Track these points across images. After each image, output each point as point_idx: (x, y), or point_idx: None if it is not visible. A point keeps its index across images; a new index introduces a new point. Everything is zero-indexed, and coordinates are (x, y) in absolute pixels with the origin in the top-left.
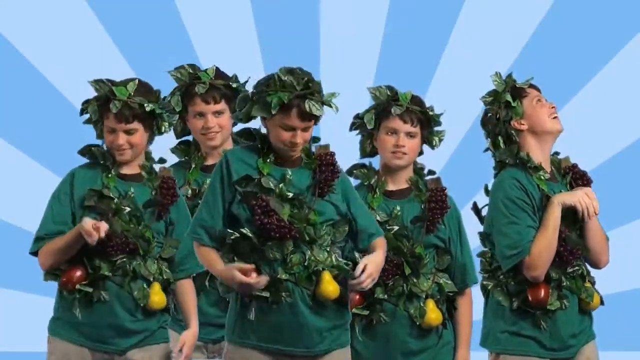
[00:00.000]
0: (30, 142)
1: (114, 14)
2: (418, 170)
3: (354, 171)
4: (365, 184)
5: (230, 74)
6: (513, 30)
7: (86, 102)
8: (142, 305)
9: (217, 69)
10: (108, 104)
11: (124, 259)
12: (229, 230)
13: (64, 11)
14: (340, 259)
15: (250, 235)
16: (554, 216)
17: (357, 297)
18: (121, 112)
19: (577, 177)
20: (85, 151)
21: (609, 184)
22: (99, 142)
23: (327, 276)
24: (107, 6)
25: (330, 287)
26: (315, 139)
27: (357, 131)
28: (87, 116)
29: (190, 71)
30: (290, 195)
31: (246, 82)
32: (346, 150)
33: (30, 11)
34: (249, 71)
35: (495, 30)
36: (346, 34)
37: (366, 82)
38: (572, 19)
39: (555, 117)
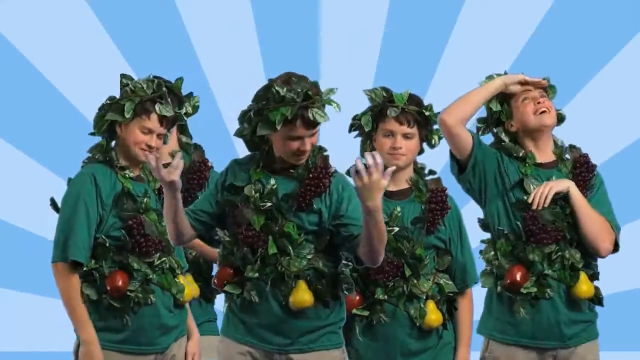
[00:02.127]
0: (30, 142)
1: (114, 14)
2: (418, 170)
3: None
4: None
5: (230, 74)
6: (513, 30)
7: (125, 99)
8: (179, 299)
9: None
10: (151, 104)
11: (161, 257)
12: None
13: (64, 11)
14: (327, 263)
15: (228, 238)
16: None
17: (358, 297)
18: (166, 117)
19: (578, 165)
20: (98, 150)
21: (608, 184)
22: (96, 139)
23: (302, 285)
24: (107, 6)
25: (305, 296)
26: (322, 149)
27: (356, 132)
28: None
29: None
30: (267, 205)
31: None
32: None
33: (30, 11)
34: (249, 71)
35: (495, 30)
36: (346, 34)
37: (366, 82)
38: (572, 19)
39: (542, 112)
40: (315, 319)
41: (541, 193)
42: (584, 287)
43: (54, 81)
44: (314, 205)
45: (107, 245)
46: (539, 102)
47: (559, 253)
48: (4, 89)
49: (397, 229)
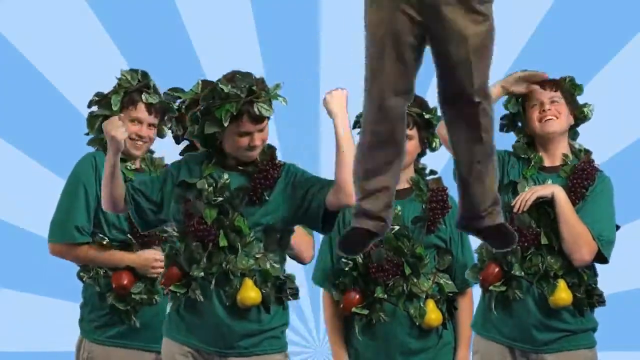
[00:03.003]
0: (30, 142)
1: (114, 14)
2: (419, 170)
3: None
4: None
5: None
6: (513, 30)
7: (111, 93)
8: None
9: None
10: (137, 94)
11: None
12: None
13: (63, 11)
14: (274, 265)
15: (176, 233)
16: None
17: (357, 296)
18: (153, 104)
19: (577, 171)
20: (97, 142)
21: None
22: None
23: (248, 282)
24: (107, 6)
25: (251, 293)
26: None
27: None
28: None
29: None
30: (219, 200)
31: None
32: None
33: (30, 11)
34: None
35: (496, 30)
36: (346, 33)
37: None
38: (572, 19)
39: (547, 120)
40: (256, 322)
41: (523, 198)
42: (562, 294)
43: (53, 81)
44: (266, 197)
45: (105, 244)
46: (544, 110)
47: (539, 257)
48: (4, 89)
49: (397, 227)
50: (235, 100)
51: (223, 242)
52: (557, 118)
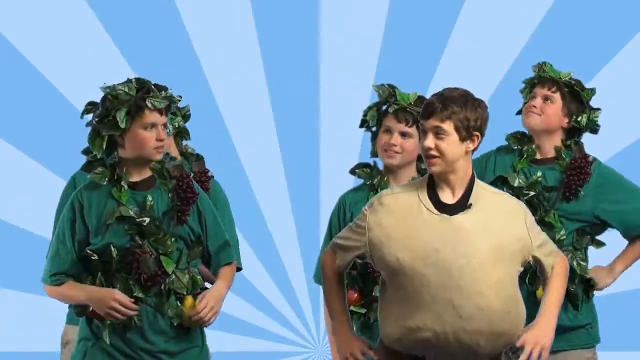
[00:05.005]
0: (30, 142)
1: (114, 14)
2: (422, 170)
3: (357, 170)
4: (368, 183)
5: (230, 74)
6: (513, 30)
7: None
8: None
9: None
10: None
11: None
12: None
13: (63, 11)
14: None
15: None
16: None
17: (355, 295)
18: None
19: (572, 166)
20: (90, 168)
21: None
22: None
23: (189, 301)
24: (107, 6)
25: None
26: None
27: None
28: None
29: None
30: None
31: None
32: (348, 149)
33: (30, 11)
34: (249, 71)
35: (496, 30)
36: (346, 33)
37: (366, 82)
38: (572, 19)
39: (529, 113)
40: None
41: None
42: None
43: (54, 81)
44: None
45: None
46: (533, 105)
47: None
48: (3, 88)
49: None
50: (127, 99)
51: (170, 267)
52: (540, 115)
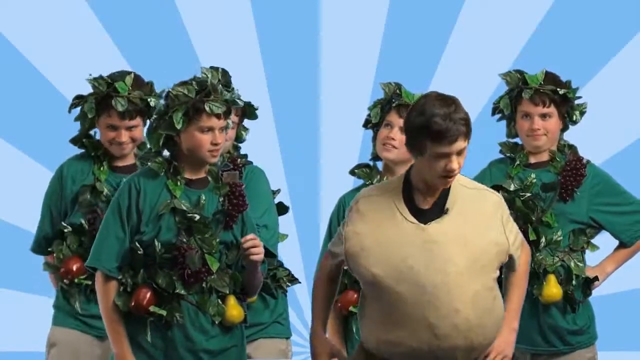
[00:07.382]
0: (30, 141)
1: (114, 14)
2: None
3: (356, 171)
4: (367, 184)
5: (231, 74)
6: (513, 30)
7: (79, 98)
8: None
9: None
10: (107, 100)
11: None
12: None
13: (63, 11)
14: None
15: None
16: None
17: (355, 296)
18: (126, 109)
19: (567, 169)
20: (77, 140)
21: None
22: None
23: (231, 300)
24: (107, 6)
25: (234, 311)
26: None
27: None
28: (75, 111)
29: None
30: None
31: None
32: (348, 149)
33: (30, 11)
34: (249, 71)
35: (496, 30)
36: (346, 33)
37: (366, 82)
38: (572, 19)
39: (535, 136)
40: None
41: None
42: (553, 289)
43: (54, 81)
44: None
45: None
46: (533, 128)
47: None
48: (3, 88)
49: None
50: (185, 101)
51: (215, 266)
52: (546, 135)
